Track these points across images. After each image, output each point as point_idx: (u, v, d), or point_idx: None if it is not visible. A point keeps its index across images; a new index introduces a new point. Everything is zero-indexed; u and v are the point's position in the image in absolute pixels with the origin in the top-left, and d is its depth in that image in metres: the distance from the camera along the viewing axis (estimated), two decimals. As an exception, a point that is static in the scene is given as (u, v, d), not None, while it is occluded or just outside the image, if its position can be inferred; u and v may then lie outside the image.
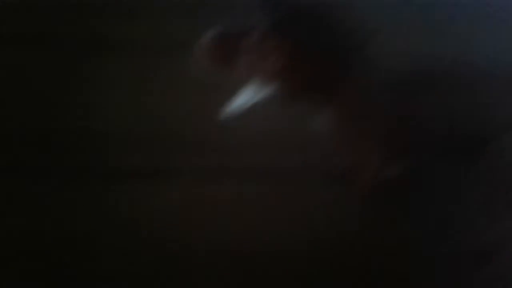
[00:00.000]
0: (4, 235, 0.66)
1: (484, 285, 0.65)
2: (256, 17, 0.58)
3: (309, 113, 0.67)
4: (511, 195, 0.67)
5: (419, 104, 0.65)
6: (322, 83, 0.62)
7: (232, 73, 0.62)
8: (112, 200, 0.69)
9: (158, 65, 0.88)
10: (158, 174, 0.71)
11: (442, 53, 0.77)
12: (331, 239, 0.68)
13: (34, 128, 0.78)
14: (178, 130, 0.77)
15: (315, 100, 0.65)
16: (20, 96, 0.82)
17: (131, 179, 0.70)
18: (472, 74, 0.71)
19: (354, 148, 0.70)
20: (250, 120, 0.70)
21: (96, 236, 0.66)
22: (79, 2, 0.93)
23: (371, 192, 0.72)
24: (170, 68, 0.87)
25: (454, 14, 0.91)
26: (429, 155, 0.70)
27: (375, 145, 0.68)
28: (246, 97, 0.64)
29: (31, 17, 0.90)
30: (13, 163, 0.73)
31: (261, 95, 0.64)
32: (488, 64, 0.74)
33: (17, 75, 0.84)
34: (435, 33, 1.03)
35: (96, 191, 0.69)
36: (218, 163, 0.73)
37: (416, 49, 0.95)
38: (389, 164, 0.71)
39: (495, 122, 0.68)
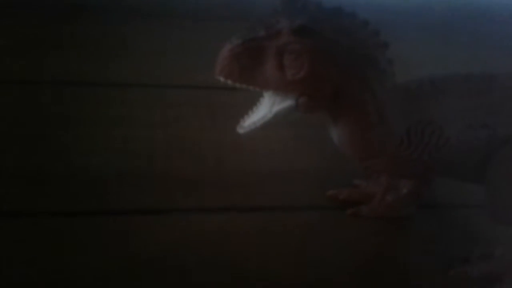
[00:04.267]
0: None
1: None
2: (279, 22, 0.54)
3: (327, 124, 0.61)
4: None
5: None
6: (344, 92, 0.56)
7: (254, 81, 0.55)
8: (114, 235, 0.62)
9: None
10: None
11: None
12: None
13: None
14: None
15: (334, 112, 0.59)
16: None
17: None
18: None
19: (367, 167, 0.63)
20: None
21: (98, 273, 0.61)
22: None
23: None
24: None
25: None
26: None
27: (390, 166, 0.61)
28: (264, 110, 0.58)
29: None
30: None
31: (281, 107, 0.57)
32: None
33: None
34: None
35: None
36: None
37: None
38: (404, 188, 0.65)
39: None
